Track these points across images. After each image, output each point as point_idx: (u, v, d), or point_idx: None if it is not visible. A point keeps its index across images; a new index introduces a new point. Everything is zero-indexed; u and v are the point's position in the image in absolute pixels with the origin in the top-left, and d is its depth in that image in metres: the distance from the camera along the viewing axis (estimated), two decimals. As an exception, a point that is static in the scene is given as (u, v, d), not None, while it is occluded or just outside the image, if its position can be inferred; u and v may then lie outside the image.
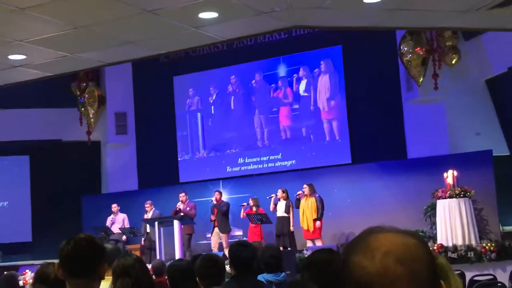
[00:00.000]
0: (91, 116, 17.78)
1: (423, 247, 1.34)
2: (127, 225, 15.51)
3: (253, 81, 16.94)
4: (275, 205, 14.29)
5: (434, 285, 1.32)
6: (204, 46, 11.98)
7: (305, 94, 16.40)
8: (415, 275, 1.29)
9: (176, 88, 17.96)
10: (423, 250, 1.33)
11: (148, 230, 14.96)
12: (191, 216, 14.62)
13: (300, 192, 14.10)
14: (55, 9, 7.13)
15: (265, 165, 16.66)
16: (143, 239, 15.20)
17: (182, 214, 14.49)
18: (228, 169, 17.03)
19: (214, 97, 17.48)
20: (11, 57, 8.97)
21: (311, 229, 13.84)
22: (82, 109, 17.83)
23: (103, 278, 3.19)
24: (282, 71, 16.70)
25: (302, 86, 16.45)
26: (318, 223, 13.80)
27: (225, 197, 15.57)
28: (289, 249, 13.35)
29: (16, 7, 6.98)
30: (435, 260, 1.35)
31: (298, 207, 14.07)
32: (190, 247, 14.74)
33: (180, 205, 14.82)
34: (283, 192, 14.24)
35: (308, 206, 13.93)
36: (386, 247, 1.30)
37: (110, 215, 15.86)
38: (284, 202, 14.18)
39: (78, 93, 17.83)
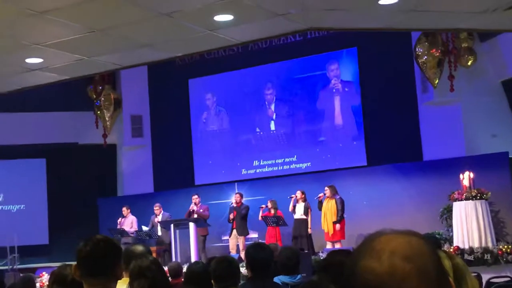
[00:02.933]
0: (107, 119, 17.87)
1: (426, 244, 1.34)
2: (135, 227, 15.54)
3: (269, 84, 16.96)
4: (294, 206, 14.26)
5: (443, 281, 1.32)
6: (219, 48, 12.00)
7: (321, 96, 16.38)
8: (423, 271, 1.29)
9: (191, 90, 18.00)
10: (427, 247, 1.33)
11: (159, 233, 15.00)
12: (205, 218, 14.63)
13: (321, 194, 14.07)
14: (72, 12, 7.18)
15: (281, 168, 16.65)
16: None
17: (195, 216, 14.51)
18: (244, 171, 17.04)
19: (229, 99, 17.50)
20: (28, 60, 9.04)
21: (331, 231, 13.78)
22: (98, 112, 17.93)
23: (120, 278, 3.23)
24: (297, 73, 16.69)
25: (318, 88, 16.43)
26: (338, 225, 13.74)
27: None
28: (306, 251, 13.33)
29: (34, 11, 7.04)
30: (440, 257, 1.36)
31: (320, 209, 14.03)
32: (205, 249, 14.75)
33: (193, 207, 14.85)
34: (302, 193, 14.22)
35: (329, 208, 13.89)
36: (391, 247, 1.31)
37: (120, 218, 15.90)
38: (303, 204, 14.16)
39: (94, 96, 17.93)
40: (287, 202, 14.38)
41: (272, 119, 16.88)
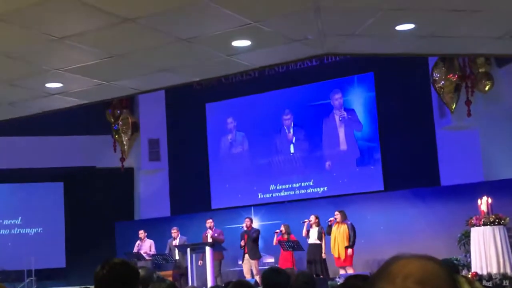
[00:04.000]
0: (124, 143, 17.99)
1: (442, 268, 1.36)
2: (153, 251, 15.56)
3: (286, 110, 17.01)
4: (308, 231, 14.23)
5: None
6: (237, 74, 12.08)
7: (338, 120, 16.40)
8: None
9: (208, 114, 18.09)
10: (442, 271, 1.35)
11: (177, 257, 15.00)
12: (220, 242, 14.65)
13: (332, 218, 14.04)
14: (92, 38, 7.28)
15: (297, 192, 16.64)
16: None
17: (210, 240, 14.52)
18: (260, 195, 17.04)
19: (245, 124, 17.56)
20: (48, 85, 9.14)
21: (342, 256, 13.73)
22: (116, 136, 18.05)
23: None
24: (314, 97, 16.74)
25: (336, 112, 16.45)
26: (350, 250, 13.70)
27: (256, 224, 15.56)
28: (321, 276, 13.27)
29: (54, 37, 7.14)
30: (456, 281, 1.37)
31: (329, 233, 13.99)
32: (220, 273, 14.73)
33: (209, 231, 14.88)
34: (316, 218, 14.19)
35: (340, 233, 13.84)
36: (406, 271, 1.33)
37: (137, 241, 15.92)
38: (317, 228, 14.12)
39: (112, 120, 18.07)
40: (301, 227, 14.36)
41: (292, 143, 16.89)
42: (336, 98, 16.42)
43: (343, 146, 16.28)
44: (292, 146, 16.91)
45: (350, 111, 16.27)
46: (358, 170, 16.00)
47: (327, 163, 16.38)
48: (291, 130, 16.99)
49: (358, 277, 3.74)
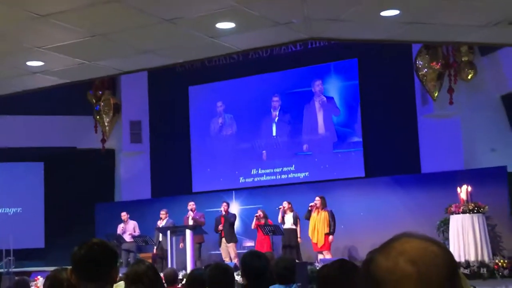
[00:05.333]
0: (106, 124, 17.88)
1: (444, 256, 1.35)
2: (137, 232, 15.54)
3: (269, 93, 16.99)
4: (283, 217, 14.30)
5: None
6: (220, 56, 12.01)
7: (320, 106, 16.40)
8: (424, 278, 1.30)
9: (191, 97, 18.02)
10: (442, 258, 1.34)
11: (160, 239, 14.99)
12: (201, 224, 14.69)
13: (313, 203, 14.09)
14: (74, 17, 7.19)
15: (278, 177, 16.66)
16: (155, 247, 15.23)
17: (191, 222, 14.55)
18: (241, 179, 17.04)
19: (228, 108, 17.51)
20: (29, 63, 9.04)
21: (321, 243, 13.81)
22: (97, 117, 17.93)
23: (116, 282, 3.22)
24: (297, 83, 16.72)
25: (317, 98, 16.46)
26: (330, 237, 13.79)
27: (237, 208, 15.61)
28: (296, 261, 13.33)
29: (37, 14, 7.05)
30: (455, 273, 1.35)
31: (308, 218, 14.04)
32: (200, 257, 14.76)
33: (190, 214, 14.92)
34: (289, 204, 14.30)
35: (320, 219, 13.89)
36: (403, 248, 1.34)
37: (120, 223, 15.89)
38: (291, 214, 14.20)
39: (94, 101, 17.94)
40: (278, 211, 14.44)
41: (271, 128, 16.87)
42: (317, 85, 16.42)
43: (321, 130, 16.29)
44: (274, 127, 16.85)
45: (329, 98, 16.28)
46: (340, 156, 16.04)
47: (304, 146, 16.40)
48: (277, 113, 16.94)
49: (334, 265, 3.73)
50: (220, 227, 14.78)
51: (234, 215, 15.08)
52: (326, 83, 16.37)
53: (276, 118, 16.88)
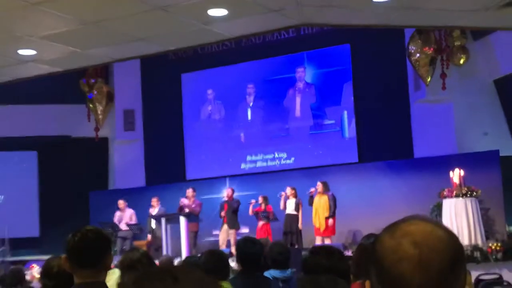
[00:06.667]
0: (99, 112, 17.82)
1: (449, 242, 1.36)
2: (135, 220, 15.56)
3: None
4: (285, 203, 14.31)
5: (447, 280, 1.33)
6: (213, 43, 12.00)
7: (313, 92, 16.41)
8: (425, 261, 1.32)
9: (184, 85, 17.99)
10: (447, 244, 1.35)
11: (154, 227, 14.99)
12: (195, 213, 14.67)
13: (313, 189, 14.12)
14: (66, 4, 7.18)
15: (272, 163, 16.67)
16: (149, 235, 15.25)
17: (186, 210, 14.51)
18: (235, 166, 17.04)
19: (221, 95, 17.50)
20: (21, 52, 9.02)
21: (323, 227, 13.85)
22: (91, 105, 17.87)
23: (110, 269, 3.25)
24: (290, 69, 16.71)
25: (311, 84, 16.46)
26: (330, 220, 13.82)
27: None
28: (296, 246, 13.38)
29: (28, 2, 7.03)
30: (460, 261, 1.36)
31: (311, 204, 14.08)
32: (196, 245, 14.77)
33: (184, 201, 14.87)
34: (292, 189, 14.26)
35: (321, 204, 13.95)
36: (408, 229, 1.36)
37: (117, 211, 15.90)
38: (294, 199, 14.21)
39: (87, 89, 17.87)
40: (277, 198, 14.45)
41: (265, 114, 16.86)
42: (301, 71, 16.46)
43: (318, 118, 16.31)
44: (263, 117, 16.86)
45: (309, 84, 16.34)
46: (333, 142, 16.05)
47: (292, 132, 16.46)
48: (252, 99, 16.98)
49: (321, 252, 3.77)
50: (223, 213, 14.74)
51: (238, 201, 14.83)
52: (320, 68, 16.36)
53: (250, 104, 16.89)
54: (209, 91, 17.60)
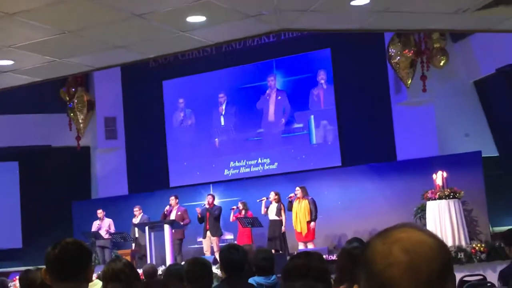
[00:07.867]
0: (80, 121, 17.72)
1: (439, 251, 1.38)
2: (113, 229, 15.46)
3: (245, 85, 16.98)
4: (267, 208, 14.29)
5: (434, 287, 1.35)
6: (193, 50, 11.98)
7: (295, 97, 16.43)
8: (414, 268, 1.34)
9: (165, 92, 17.95)
10: (437, 252, 1.37)
11: (137, 235, 14.91)
12: (186, 223, 14.63)
13: (292, 194, 14.10)
14: (43, 14, 7.12)
15: (255, 169, 16.66)
16: (133, 244, 15.16)
17: (173, 220, 14.42)
18: (219, 173, 17.01)
19: (203, 101, 17.47)
20: (-1, 62, 8.94)
21: (304, 231, 13.84)
22: (71, 114, 17.76)
23: (91, 281, 3.21)
24: (271, 74, 16.72)
25: (291, 89, 16.48)
26: (312, 224, 13.81)
27: (216, 201, 15.55)
28: (280, 252, 13.35)
29: (4, 13, 6.97)
30: (448, 270, 1.38)
31: (290, 209, 14.06)
32: (181, 252, 14.70)
33: (168, 208, 14.81)
34: (276, 194, 14.23)
35: (301, 208, 13.93)
36: (399, 236, 1.39)
37: (96, 220, 15.78)
38: (276, 205, 14.17)
39: (67, 98, 17.76)
40: (258, 203, 14.42)
41: (247, 120, 16.85)
42: (270, 80, 16.53)
43: (301, 123, 16.33)
44: (245, 123, 16.87)
45: (281, 92, 16.38)
46: (316, 146, 16.08)
47: (260, 130, 16.45)
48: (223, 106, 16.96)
49: (301, 256, 3.76)
50: (203, 221, 14.66)
51: (219, 208, 14.77)
52: (301, 73, 16.38)
53: (222, 111, 16.91)
54: (181, 100, 17.61)
